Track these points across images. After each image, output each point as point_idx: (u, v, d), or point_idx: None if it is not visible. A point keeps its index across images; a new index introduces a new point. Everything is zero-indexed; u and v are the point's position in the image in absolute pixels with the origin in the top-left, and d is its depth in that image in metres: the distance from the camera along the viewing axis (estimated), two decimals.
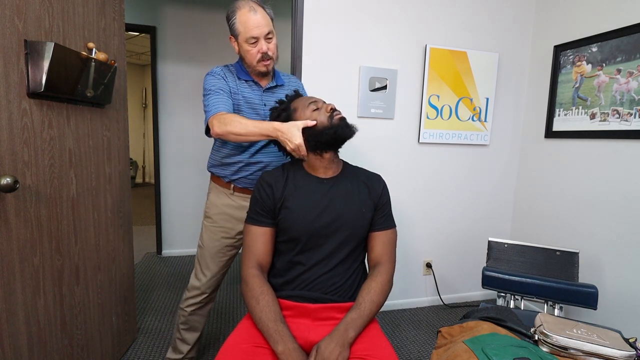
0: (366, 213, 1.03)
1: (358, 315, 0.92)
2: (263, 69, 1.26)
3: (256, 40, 1.21)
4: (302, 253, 1.00)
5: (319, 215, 0.99)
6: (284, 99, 1.14)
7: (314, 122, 1.01)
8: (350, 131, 1.03)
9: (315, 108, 1.04)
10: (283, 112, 1.08)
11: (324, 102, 1.07)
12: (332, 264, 1.00)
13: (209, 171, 1.41)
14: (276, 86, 1.35)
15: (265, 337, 0.87)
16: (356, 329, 0.90)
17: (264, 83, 1.32)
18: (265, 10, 1.25)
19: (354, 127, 1.04)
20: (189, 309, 1.40)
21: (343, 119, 1.04)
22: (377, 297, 0.96)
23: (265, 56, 1.23)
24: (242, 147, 1.29)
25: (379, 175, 1.13)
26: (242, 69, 1.30)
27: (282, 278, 1.02)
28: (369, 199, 1.05)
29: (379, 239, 1.05)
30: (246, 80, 1.30)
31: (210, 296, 1.42)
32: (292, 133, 1.01)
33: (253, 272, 0.97)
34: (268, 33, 1.22)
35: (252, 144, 1.28)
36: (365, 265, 1.10)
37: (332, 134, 1.00)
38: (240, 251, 1.35)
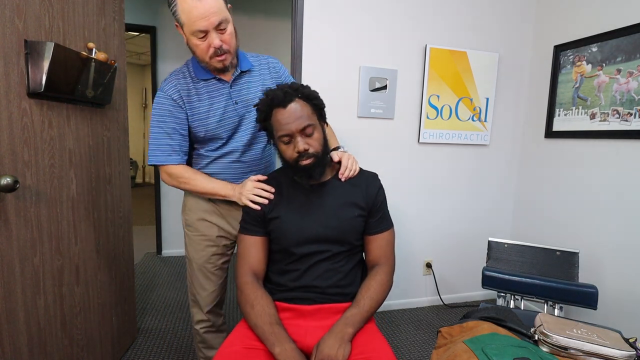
0: (359, 218, 1.00)
1: (357, 311, 0.92)
2: (218, 65, 1.05)
3: (205, 34, 0.98)
4: (294, 262, 0.99)
5: (310, 224, 0.98)
6: (261, 98, 0.96)
7: (264, 177, 1.05)
8: (314, 178, 0.97)
9: (288, 142, 0.94)
10: (264, 121, 0.97)
11: (299, 137, 0.92)
12: (325, 267, 0.98)
13: None
14: (243, 73, 1.13)
15: (262, 340, 0.87)
16: (355, 325, 0.90)
17: (228, 77, 1.11)
18: None
19: (317, 175, 0.97)
20: (202, 330, 1.27)
21: (309, 166, 0.93)
22: (376, 294, 0.96)
23: (218, 51, 1.01)
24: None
25: (375, 175, 1.08)
26: (199, 66, 1.09)
27: (278, 281, 1.01)
28: (362, 202, 1.01)
29: (375, 243, 1.03)
30: (207, 80, 1.10)
31: (215, 316, 1.28)
32: (247, 188, 1.03)
33: (247, 279, 0.97)
34: (220, 23, 0.98)
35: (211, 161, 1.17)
36: (364, 263, 1.09)
37: (297, 177, 0.99)
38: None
